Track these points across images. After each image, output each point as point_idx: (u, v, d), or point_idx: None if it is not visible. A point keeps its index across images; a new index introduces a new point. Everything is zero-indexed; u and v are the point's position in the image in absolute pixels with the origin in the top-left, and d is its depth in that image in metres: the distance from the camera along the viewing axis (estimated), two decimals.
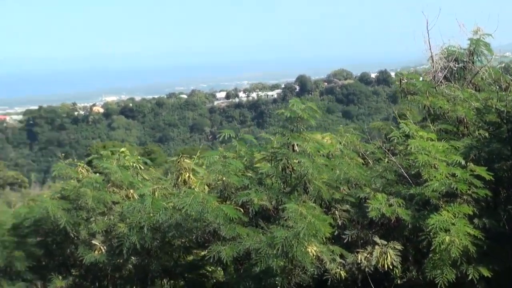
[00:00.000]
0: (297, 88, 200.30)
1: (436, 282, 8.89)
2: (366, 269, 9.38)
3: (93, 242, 11.15)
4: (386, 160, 11.47)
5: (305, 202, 10.01)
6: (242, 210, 10.35)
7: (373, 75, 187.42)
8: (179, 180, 12.00)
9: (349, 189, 11.06)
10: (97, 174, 12.87)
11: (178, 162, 12.16)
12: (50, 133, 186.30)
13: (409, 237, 9.99)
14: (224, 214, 9.79)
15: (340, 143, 12.13)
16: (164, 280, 11.68)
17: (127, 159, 13.15)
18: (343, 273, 9.54)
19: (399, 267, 9.44)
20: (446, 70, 14.46)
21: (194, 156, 13.20)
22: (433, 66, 14.72)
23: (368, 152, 12.53)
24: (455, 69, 14.42)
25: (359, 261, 9.44)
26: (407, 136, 10.70)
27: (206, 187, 11.91)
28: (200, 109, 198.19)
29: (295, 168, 10.56)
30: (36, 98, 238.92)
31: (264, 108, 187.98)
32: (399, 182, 10.67)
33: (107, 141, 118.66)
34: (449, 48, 14.52)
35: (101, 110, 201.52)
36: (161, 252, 11.36)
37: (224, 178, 10.85)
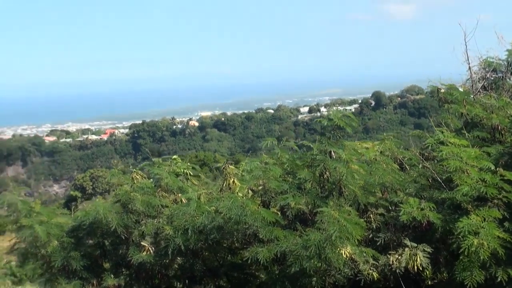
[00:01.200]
0: (373, 102, 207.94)
1: (466, 283, 8.62)
2: (397, 271, 9.16)
3: (142, 243, 11.16)
4: (421, 166, 11.20)
5: (342, 206, 9.85)
6: (281, 213, 10.26)
7: (442, 90, 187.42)
8: (225, 185, 11.95)
9: (384, 194, 10.83)
10: (151, 180, 12.91)
11: (224, 168, 12.12)
12: (151, 145, 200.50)
13: (441, 240, 9.71)
14: (262, 217, 9.72)
15: (378, 150, 11.90)
16: (210, 279, 11.60)
17: (178, 166, 13.16)
18: (375, 274, 9.34)
19: (429, 268, 9.19)
20: (484, 81, 14.14)
21: (242, 163, 13.16)
22: (470, 77, 14.41)
23: (406, 159, 12.25)
24: (492, 79, 14.09)
25: (391, 263, 9.23)
26: (442, 143, 10.46)
27: (250, 191, 11.80)
28: (286, 122, 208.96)
29: (331, 173, 10.39)
30: (140, 114, 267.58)
31: None
32: (432, 187, 10.41)
33: (200, 152, 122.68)
34: (487, 59, 14.19)
35: (197, 124, 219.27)
36: (206, 253, 11.31)
37: (265, 183, 10.78)
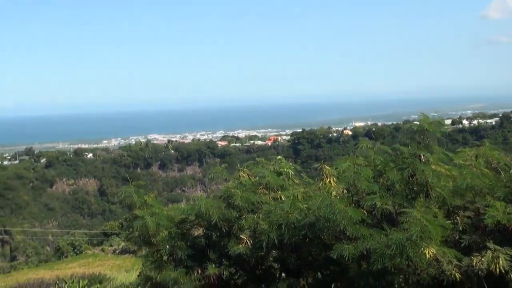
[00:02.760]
0: None
1: None
2: (479, 272, 8.82)
3: (241, 236, 11.30)
4: (511, 171, 10.73)
5: (429, 207, 9.59)
6: (369, 213, 10.13)
7: None
8: (321, 184, 11.89)
9: (472, 197, 10.43)
10: (257, 178, 13.04)
11: (321, 168, 12.06)
12: (309, 150, 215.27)
13: None
14: (349, 215, 9.63)
15: (473, 155, 11.49)
16: (307, 272, 11.58)
17: (282, 166, 13.23)
18: (458, 275, 9.03)
19: None
20: None
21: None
22: None
23: (500, 164, 11.74)
24: None
25: (474, 264, 8.90)
26: None
27: (345, 191, 11.70)
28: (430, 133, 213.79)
29: (419, 176, 10.15)
30: (301, 123, 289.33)
31: (484, 133, 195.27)
32: None
33: (351, 156, 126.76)
34: None
35: (350, 133, 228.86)
36: (302, 247, 11.30)
37: (356, 184, 10.68)
